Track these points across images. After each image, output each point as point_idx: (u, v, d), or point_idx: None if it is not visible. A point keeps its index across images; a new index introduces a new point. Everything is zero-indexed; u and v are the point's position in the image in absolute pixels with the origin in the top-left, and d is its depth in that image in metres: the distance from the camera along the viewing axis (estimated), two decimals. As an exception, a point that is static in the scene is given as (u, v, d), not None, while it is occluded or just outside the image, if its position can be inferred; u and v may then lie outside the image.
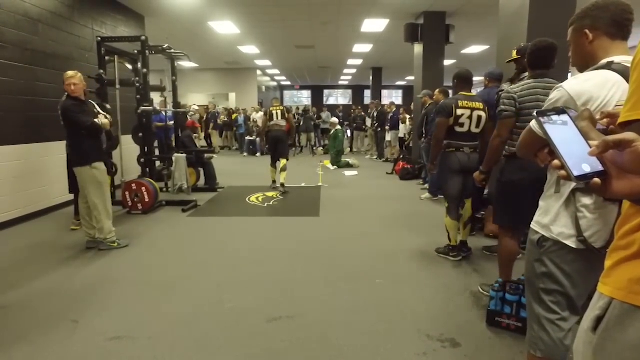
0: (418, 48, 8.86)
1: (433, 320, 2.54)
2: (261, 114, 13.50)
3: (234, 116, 14.64)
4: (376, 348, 2.23)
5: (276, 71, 18.51)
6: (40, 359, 2.15)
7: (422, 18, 8.30)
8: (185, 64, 15.07)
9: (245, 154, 13.00)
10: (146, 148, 5.89)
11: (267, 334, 2.37)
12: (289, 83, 24.59)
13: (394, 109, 11.16)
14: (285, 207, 5.78)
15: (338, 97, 27.65)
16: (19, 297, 2.88)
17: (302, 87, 26.84)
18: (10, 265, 3.53)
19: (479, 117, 3.41)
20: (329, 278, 3.22)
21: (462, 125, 3.40)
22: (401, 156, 9.26)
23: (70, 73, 3.71)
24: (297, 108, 16.72)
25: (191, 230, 4.62)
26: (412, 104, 10.73)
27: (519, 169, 2.52)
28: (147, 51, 5.54)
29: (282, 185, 6.70)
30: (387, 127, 10.89)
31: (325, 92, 27.56)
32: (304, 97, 27.50)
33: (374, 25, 9.25)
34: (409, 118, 10.32)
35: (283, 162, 6.77)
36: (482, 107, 3.43)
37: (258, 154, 12.88)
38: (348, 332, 2.39)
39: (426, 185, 6.94)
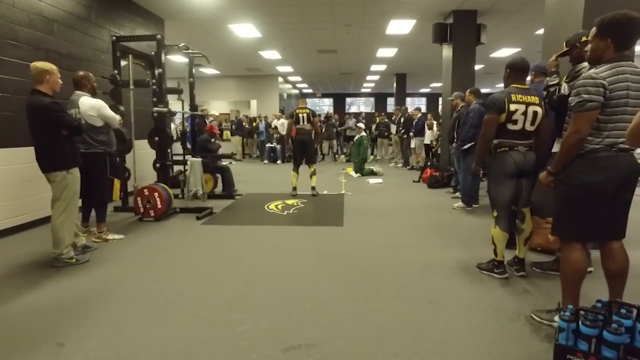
0: (447, 50, 8.40)
1: (484, 354, 2.06)
2: (282, 120, 13.28)
3: (254, 123, 14.50)
4: (417, 391, 1.78)
5: (297, 78, 18.31)
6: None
7: (452, 17, 7.84)
8: (207, 70, 15.07)
9: (265, 162, 12.74)
10: (162, 152, 5.63)
11: (282, 367, 1.95)
12: (310, 91, 24.38)
13: (419, 115, 10.68)
14: (307, 216, 5.38)
15: (360, 105, 27.25)
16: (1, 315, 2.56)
17: (324, 95, 26.61)
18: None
19: (535, 113, 2.93)
20: (356, 297, 2.78)
21: (515, 122, 2.92)
22: (428, 163, 8.75)
23: (49, 65, 3.32)
24: (319, 115, 16.39)
25: (204, 239, 4.26)
26: (440, 108, 10.25)
27: (596, 169, 2.06)
28: (162, 51, 5.30)
29: (313, 188, 6.63)
30: (411, 134, 10.41)
31: (348, 100, 27.24)
32: (326, 105, 27.24)
33: (400, 26, 8.84)
34: (437, 123, 9.83)
35: (312, 167, 6.64)
36: (538, 102, 2.94)
37: (279, 162, 12.61)
38: (381, 367, 1.95)
39: (457, 194, 6.41)
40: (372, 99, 26.94)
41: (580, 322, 1.91)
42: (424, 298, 2.75)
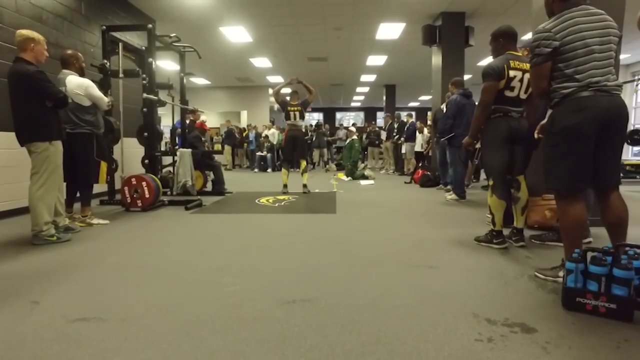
0: (436, 53, 8.51)
1: (491, 304, 1.96)
2: (273, 130, 13.26)
3: (244, 133, 14.45)
4: (422, 333, 1.66)
5: (287, 90, 18.37)
6: (-21, 341, 1.63)
7: (440, 19, 7.98)
8: (198, 80, 15.07)
9: (256, 170, 12.63)
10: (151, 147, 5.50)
11: (276, 318, 1.81)
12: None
13: (410, 120, 10.74)
14: (299, 206, 5.26)
15: (350, 120, 27.42)
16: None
17: (314, 110, 26.74)
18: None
19: (529, 81, 2.91)
20: (352, 263, 2.67)
21: (512, 89, 2.89)
22: (419, 164, 8.75)
23: (36, 34, 3.23)
24: (310, 125, 16.43)
25: (193, 223, 4.12)
26: (428, 113, 10.34)
27: (573, 111, 2.02)
28: (153, 41, 5.24)
29: (305, 185, 6.44)
30: (402, 139, 10.43)
31: (338, 114, 27.42)
32: (315, 120, 27.34)
33: (390, 30, 8.96)
34: (427, 128, 9.88)
35: (303, 163, 6.52)
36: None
37: (269, 170, 12.51)
38: (381, 316, 1.83)
39: (449, 187, 6.37)
40: (361, 114, 27.16)
41: (588, 261, 1.83)
42: (423, 264, 2.65)
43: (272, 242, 3.32)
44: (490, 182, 3.03)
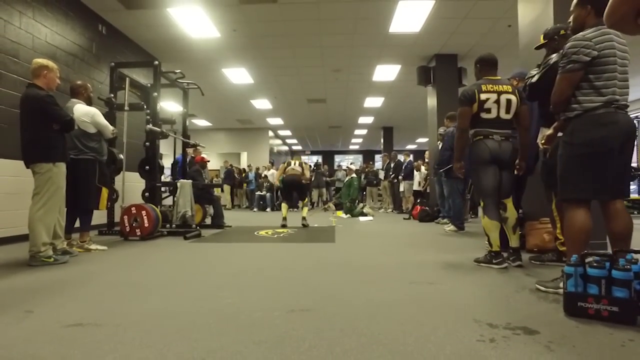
0: (431, 94, 8.83)
1: (492, 311, 1.93)
2: (272, 171, 13.42)
3: (243, 174, 14.60)
4: (424, 335, 1.63)
5: (287, 132, 18.83)
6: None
7: (434, 61, 8.37)
8: (199, 122, 15.45)
9: (255, 210, 12.62)
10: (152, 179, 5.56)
11: (274, 324, 1.78)
12: (299, 147, 24.94)
13: (408, 159, 10.91)
14: (297, 237, 5.23)
15: (349, 162, 27.78)
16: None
17: (313, 152, 27.17)
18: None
19: (508, 101, 3.02)
20: (350, 281, 2.64)
21: (488, 110, 3.01)
22: (418, 200, 8.79)
23: (50, 62, 3.43)
24: (310, 166, 16.62)
25: (191, 251, 4.08)
26: (426, 153, 10.54)
27: (596, 125, 2.09)
28: (159, 76, 5.47)
29: (304, 218, 6.48)
30: (400, 177, 10.54)
31: (337, 157, 27.82)
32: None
33: (386, 72, 9.36)
34: (424, 165, 10.02)
35: (305, 201, 6.71)
36: (510, 90, 3.05)
37: (268, 209, 12.50)
38: (381, 322, 1.80)
39: (446, 220, 6.38)
40: (360, 157, 27.57)
41: (587, 265, 1.83)
42: (422, 280, 2.63)
43: (270, 265, 3.30)
44: (481, 204, 3.07)
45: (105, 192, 4.10)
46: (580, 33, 2.19)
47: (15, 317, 1.89)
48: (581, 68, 2.14)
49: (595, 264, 1.80)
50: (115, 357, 1.43)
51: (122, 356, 1.45)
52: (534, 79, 2.82)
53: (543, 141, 2.77)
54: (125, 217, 4.84)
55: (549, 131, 2.66)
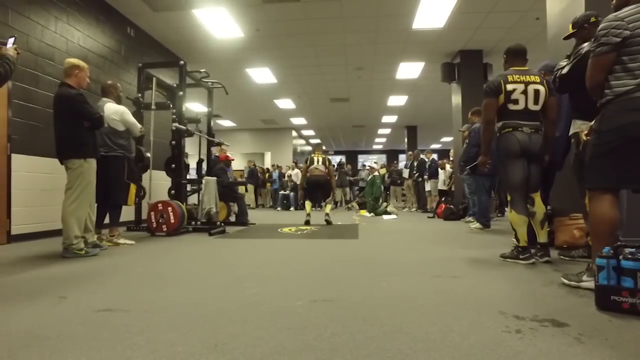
0: (455, 91, 8.67)
1: (518, 304, 1.88)
2: (296, 170, 13.49)
3: (267, 175, 14.75)
4: (448, 325, 1.60)
5: (311, 132, 18.90)
6: (14, 323, 1.67)
7: (459, 57, 8.21)
8: (224, 122, 15.71)
9: (279, 209, 12.73)
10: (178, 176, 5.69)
11: (296, 312, 1.79)
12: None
13: (432, 157, 10.75)
14: (321, 234, 5.24)
15: (373, 162, 27.61)
16: (5, 281, 2.47)
17: (337, 152, 27.15)
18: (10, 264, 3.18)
19: (536, 92, 2.91)
20: (373, 274, 2.62)
21: (516, 102, 2.91)
22: (442, 199, 8.65)
23: (82, 62, 3.57)
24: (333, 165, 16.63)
25: (216, 246, 4.16)
26: (450, 151, 10.36)
27: (628, 110, 1.93)
28: (184, 76, 5.60)
29: (327, 215, 6.47)
30: (425, 177, 10.39)
31: (360, 157, 27.70)
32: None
33: (409, 69, 9.26)
34: (449, 162, 9.86)
35: (329, 200, 6.68)
36: (538, 81, 2.95)
37: (292, 209, 12.59)
38: (403, 312, 1.78)
39: (470, 219, 6.24)
40: (384, 156, 27.34)
41: (620, 257, 1.75)
42: (446, 274, 2.59)
43: (293, 258, 3.33)
44: (509, 198, 2.99)
45: (133, 188, 4.23)
46: (615, 13, 2.08)
47: (50, 302, 1.98)
48: (611, 50, 2.00)
49: (630, 256, 1.72)
50: (141, 339, 1.48)
51: (149, 338, 1.49)
52: (564, 71, 2.71)
53: (586, 132, 2.63)
54: (152, 213, 4.98)
55: (592, 123, 2.52)
